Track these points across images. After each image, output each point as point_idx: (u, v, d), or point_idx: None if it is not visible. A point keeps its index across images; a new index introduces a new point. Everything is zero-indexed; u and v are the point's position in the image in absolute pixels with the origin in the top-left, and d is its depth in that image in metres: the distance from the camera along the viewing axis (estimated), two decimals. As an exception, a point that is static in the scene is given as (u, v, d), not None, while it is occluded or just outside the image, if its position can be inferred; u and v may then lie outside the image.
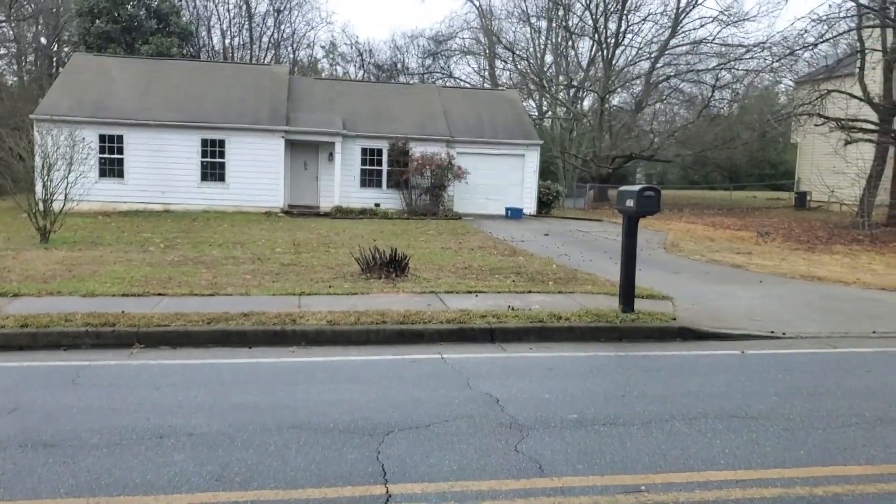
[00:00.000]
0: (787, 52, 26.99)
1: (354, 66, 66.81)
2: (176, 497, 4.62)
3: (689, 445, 5.60)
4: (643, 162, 54.98)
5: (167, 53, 38.44)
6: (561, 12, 45.18)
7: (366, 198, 30.35)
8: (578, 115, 44.94)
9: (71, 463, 5.12)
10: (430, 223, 27.07)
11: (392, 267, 13.89)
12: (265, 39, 54.09)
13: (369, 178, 30.76)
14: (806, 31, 28.22)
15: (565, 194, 36.47)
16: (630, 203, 9.65)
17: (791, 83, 41.30)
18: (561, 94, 47.06)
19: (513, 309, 10.29)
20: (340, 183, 29.70)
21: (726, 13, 40.61)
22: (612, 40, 42.76)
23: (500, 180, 31.62)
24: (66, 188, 19.40)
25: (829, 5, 34.98)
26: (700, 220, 30.88)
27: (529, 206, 31.67)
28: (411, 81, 56.10)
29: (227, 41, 52.45)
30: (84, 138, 24.90)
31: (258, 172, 28.90)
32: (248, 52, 51.48)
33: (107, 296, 10.86)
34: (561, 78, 47.66)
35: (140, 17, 38.50)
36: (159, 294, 11.05)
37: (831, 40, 25.94)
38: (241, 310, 9.85)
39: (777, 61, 29.35)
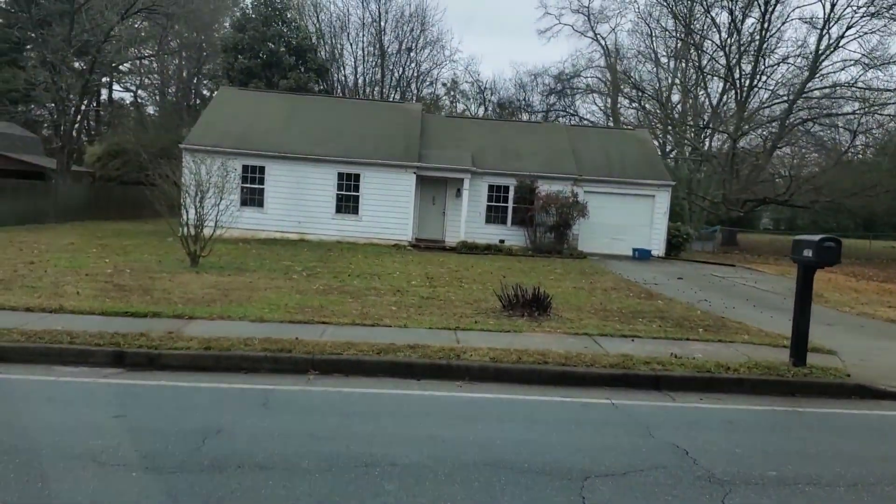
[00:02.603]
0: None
1: (475, 103, 67.77)
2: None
3: (907, 513, 5.37)
4: (769, 206, 53.29)
5: (305, 88, 40.03)
6: (693, 53, 44.57)
7: (490, 234, 30.56)
8: (708, 156, 43.99)
9: (290, 486, 5.35)
10: (556, 261, 26.98)
11: (535, 306, 13.91)
12: (391, 77, 55.66)
13: (494, 215, 30.99)
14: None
15: (695, 237, 35.65)
16: (808, 253, 9.38)
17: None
18: (688, 133, 46.26)
19: (676, 357, 10.12)
20: (467, 218, 30.04)
21: (869, 56, 38.99)
22: (747, 81, 41.82)
23: (628, 220, 31.26)
24: (217, 215, 20.37)
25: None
26: (839, 270, 29.56)
27: (658, 248, 31.15)
28: (535, 119, 56.41)
29: (358, 78, 54.27)
30: (235, 169, 26.22)
31: (389, 206, 29.60)
32: (379, 87, 53.04)
33: (274, 322, 11.31)
34: (689, 118, 46.89)
35: (280, 54, 40.32)
36: (323, 322, 11.44)
37: None
38: (404, 342, 10.08)
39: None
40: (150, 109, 67.24)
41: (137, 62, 58.78)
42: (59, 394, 7.62)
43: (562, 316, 13.85)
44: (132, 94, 66.83)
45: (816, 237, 9.52)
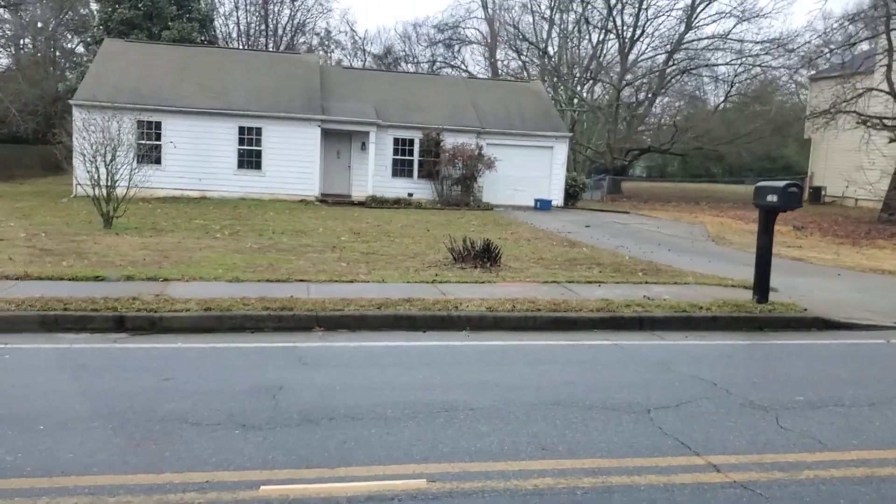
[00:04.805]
0: (825, 51, 27.73)
1: (350, 54, 66.80)
2: (520, 464, 5.09)
3: (927, 423, 6.20)
4: (644, 155, 55.79)
5: (188, 39, 38.44)
6: (576, 5, 45.77)
7: (397, 188, 30.69)
8: (593, 107, 45.54)
9: (393, 433, 5.58)
10: (467, 213, 27.53)
11: (485, 257, 14.38)
12: (274, 27, 54.08)
13: (401, 168, 31.11)
14: (832, 31, 29.12)
15: (590, 186, 37.05)
16: (772, 198, 10.21)
17: (791, 81, 42.36)
18: (575, 85, 47.65)
19: (650, 299, 10.83)
20: (374, 173, 30.03)
21: (740, 9, 41.33)
22: (630, 32, 43.46)
23: (529, 172, 32.10)
24: (130, 174, 19.63)
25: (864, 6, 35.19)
26: (724, 214, 31.64)
27: (557, 198, 32.22)
28: (417, 71, 56.37)
29: (240, 27, 52.41)
30: (142, 123, 25.18)
31: (294, 161, 29.14)
32: (264, 38, 51.50)
33: (252, 282, 11.23)
34: (573, 69, 48.25)
35: (161, 3, 38.44)
36: (302, 280, 11.45)
37: (867, 40, 26.76)
38: (395, 296, 10.28)
39: (816, 58, 30.22)
40: (4, 61, 62.46)
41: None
42: (85, 361, 7.44)
43: (510, 266, 14.35)
44: (-18, 45, 61.72)
45: (781, 183, 10.37)
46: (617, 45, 44.94)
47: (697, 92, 48.91)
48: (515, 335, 9.35)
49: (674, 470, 5.06)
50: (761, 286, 10.67)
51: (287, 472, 4.83)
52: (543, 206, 31.28)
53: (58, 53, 62.07)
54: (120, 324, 8.79)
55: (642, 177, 61.09)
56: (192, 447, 5.19)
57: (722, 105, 43.66)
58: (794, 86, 48.81)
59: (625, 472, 4.99)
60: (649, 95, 45.37)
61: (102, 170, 19.09)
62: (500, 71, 56.24)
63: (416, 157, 31.02)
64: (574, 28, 48.74)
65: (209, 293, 10.05)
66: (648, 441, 5.59)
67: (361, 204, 29.03)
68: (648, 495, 4.66)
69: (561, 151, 32.51)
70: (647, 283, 12.50)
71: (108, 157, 19.26)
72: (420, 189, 30.85)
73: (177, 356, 7.75)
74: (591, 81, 47.05)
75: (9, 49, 62.89)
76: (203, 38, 42.10)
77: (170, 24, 38.84)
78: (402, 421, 5.86)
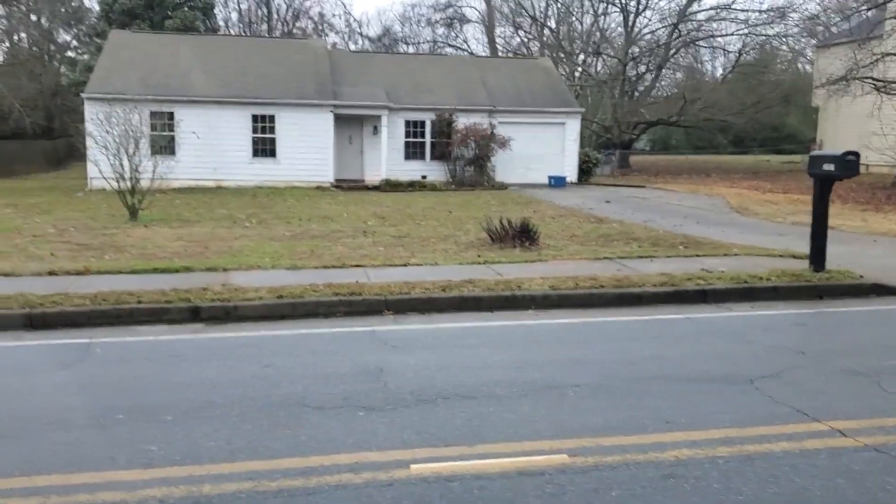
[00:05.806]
0: (833, 18, 27.72)
1: (344, 37, 66.50)
2: (651, 437, 5.19)
3: None
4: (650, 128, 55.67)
5: (191, 27, 38.27)
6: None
7: (411, 170, 30.64)
8: (599, 81, 45.48)
9: (512, 410, 5.70)
10: (483, 194, 27.53)
11: (524, 237, 14.41)
12: (276, 13, 53.90)
13: (413, 151, 31.11)
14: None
15: (603, 161, 37.04)
16: (829, 167, 10.27)
17: (791, 51, 42.34)
18: (577, 59, 47.55)
19: (707, 272, 10.90)
20: (387, 156, 30.01)
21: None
22: (634, 3, 43.34)
23: (542, 149, 32.08)
24: (154, 165, 19.62)
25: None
26: (738, 185, 31.70)
27: (571, 175, 32.21)
28: (418, 52, 56.17)
29: (232, 12, 52.14)
30: (156, 114, 25.11)
31: (308, 147, 29.09)
32: (266, 24, 51.29)
33: (309, 269, 11.29)
34: (573, 44, 48.13)
35: (162, -8, 38.25)
36: (358, 266, 11.51)
37: (878, 7, 26.76)
38: (449, 278, 10.31)
39: (832, 24, 30.25)
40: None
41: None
42: (178, 352, 7.50)
43: (548, 245, 14.38)
44: (-25, 40, 61.25)
45: (838, 152, 10.43)
46: (620, 18, 44.87)
47: (698, 65, 48.97)
48: (581, 312, 9.41)
49: (802, 436, 5.16)
50: (818, 255, 10.77)
51: (428, 451, 4.92)
52: (558, 183, 31.27)
53: (52, 47, 61.68)
54: (195, 314, 8.85)
55: (646, 150, 61.11)
56: (324, 430, 5.27)
57: (729, 75, 43.63)
58: (791, 54, 48.82)
59: (756, 440, 5.09)
60: (653, 69, 45.33)
61: (126, 162, 19.10)
62: (500, 49, 56.08)
63: (428, 139, 31.02)
64: (575, 0, 48.59)
65: (273, 281, 10.12)
66: (765, 410, 5.69)
67: (376, 188, 29.00)
68: (788, 461, 4.76)
69: (573, 127, 32.50)
70: (697, 255, 12.58)
71: (132, 150, 19.27)
72: (433, 171, 30.84)
73: (265, 343, 7.82)
74: (594, 56, 46.96)
75: (3, 43, 62.50)
76: (206, 25, 41.90)
77: (171, 13, 38.62)
78: (514, 399, 5.95)
